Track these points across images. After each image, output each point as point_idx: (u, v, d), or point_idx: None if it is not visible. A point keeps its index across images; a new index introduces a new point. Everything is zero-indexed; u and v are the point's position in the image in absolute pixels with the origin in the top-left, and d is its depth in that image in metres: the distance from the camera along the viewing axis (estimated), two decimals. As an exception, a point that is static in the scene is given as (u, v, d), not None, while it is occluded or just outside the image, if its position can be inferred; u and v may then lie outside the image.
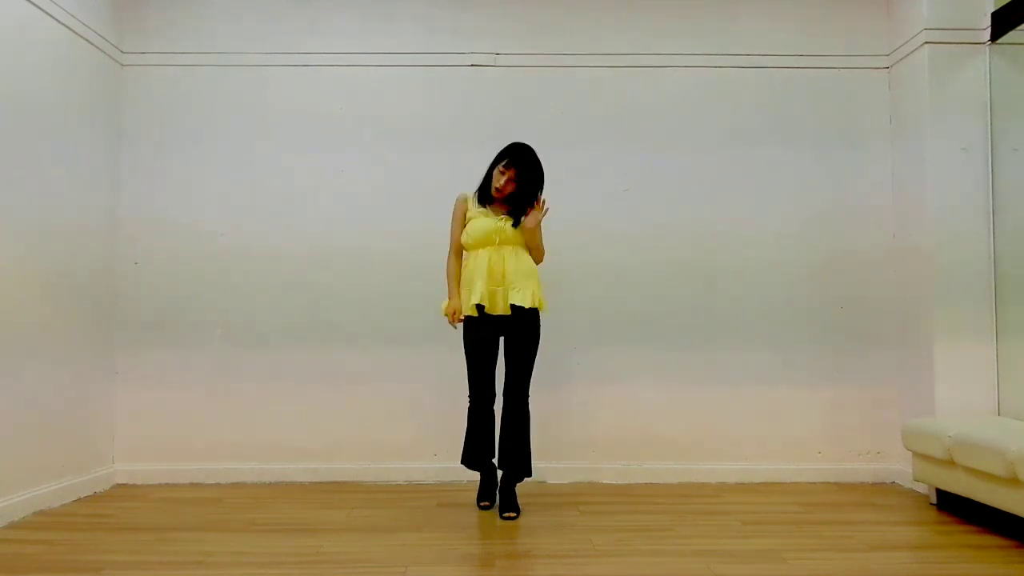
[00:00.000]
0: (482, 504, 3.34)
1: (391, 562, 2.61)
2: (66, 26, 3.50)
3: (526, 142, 3.29)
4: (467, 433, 3.31)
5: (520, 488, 3.36)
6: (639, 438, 3.92)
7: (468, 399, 3.31)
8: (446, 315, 3.28)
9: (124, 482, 3.85)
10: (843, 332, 3.96)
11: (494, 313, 3.22)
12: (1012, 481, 2.80)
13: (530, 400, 3.28)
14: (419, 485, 3.81)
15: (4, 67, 3.12)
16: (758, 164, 4.00)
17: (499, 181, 3.23)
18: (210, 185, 3.95)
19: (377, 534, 2.95)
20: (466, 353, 3.29)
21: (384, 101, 3.99)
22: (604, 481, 3.88)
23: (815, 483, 3.87)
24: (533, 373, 3.28)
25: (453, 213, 3.36)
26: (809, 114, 4.01)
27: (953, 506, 3.34)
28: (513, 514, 3.18)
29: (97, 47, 3.73)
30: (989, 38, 3.63)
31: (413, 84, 4.00)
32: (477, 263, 3.22)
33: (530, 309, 3.21)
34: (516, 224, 3.23)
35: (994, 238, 3.61)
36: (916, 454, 3.43)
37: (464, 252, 3.33)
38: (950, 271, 3.60)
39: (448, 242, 3.37)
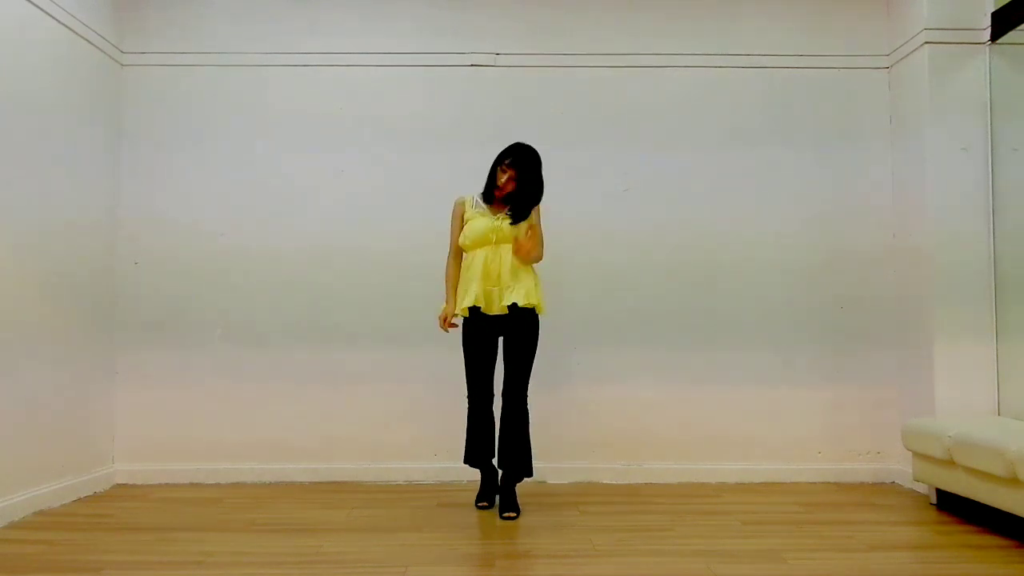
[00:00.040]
0: (480, 504, 3.35)
1: (391, 562, 2.61)
2: (66, 26, 3.50)
3: (527, 143, 3.29)
4: (467, 433, 3.32)
5: (520, 488, 3.35)
6: (639, 438, 3.92)
7: (467, 399, 3.31)
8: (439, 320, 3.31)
9: (124, 482, 3.85)
10: (843, 332, 3.96)
11: (491, 313, 3.22)
12: (1012, 481, 2.80)
13: (530, 400, 3.27)
14: (419, 485, 3.81)
15: (4, 67, 3.12)
16: (758, 164, 4.00)
17: (500, 180, 3.24)
18: (210, 185, 3.95)
19: (377, 534, 2.95)
20: (464, 353, 3.29)
21: (384, 101, 3.99)
22: (604, 481, 3.88)
23: (815, 483, 3.87)
24: (533, 373, 3.27)
25: (452, 216, 3.36)
26: (809, 114, 4.01)
27: (953, 506, 3.34)
28: (513, 514, 3.18)
29: (97, 47, 3.73)
30: (989, 38, 3.63)
31: (413, 84, 4.00)
32: (474, 264, 3.23)
33: (528, 308, 3.21)
34: (515, 222, 3.22)
35: (994, 238, 3.61)
36: (916, 454, 3.43)
37: (463, 254, 3.34)
38: (950, 271, 3.60)
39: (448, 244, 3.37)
